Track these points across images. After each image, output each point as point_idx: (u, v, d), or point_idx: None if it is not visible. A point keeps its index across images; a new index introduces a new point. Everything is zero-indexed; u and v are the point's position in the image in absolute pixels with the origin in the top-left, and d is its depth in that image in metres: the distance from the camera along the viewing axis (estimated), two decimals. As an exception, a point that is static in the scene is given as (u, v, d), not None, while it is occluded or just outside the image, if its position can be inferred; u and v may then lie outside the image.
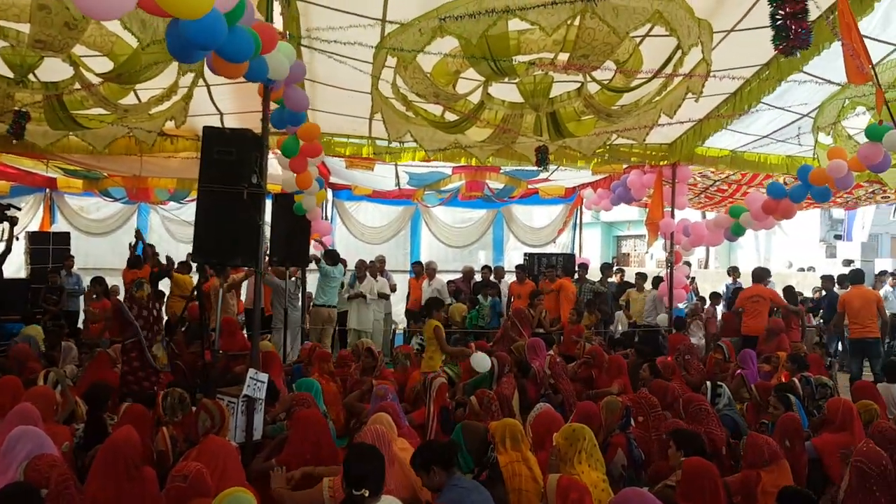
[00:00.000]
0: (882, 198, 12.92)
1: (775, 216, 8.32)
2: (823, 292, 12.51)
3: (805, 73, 6.82)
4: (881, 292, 11.97)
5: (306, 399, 5.39)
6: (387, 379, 7.04)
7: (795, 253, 21.67)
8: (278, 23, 5.82)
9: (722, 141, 9.47)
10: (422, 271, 12.59)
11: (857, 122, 8.01)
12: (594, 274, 13.63)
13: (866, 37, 5.36)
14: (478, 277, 13.12)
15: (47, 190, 13.59)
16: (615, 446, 5.11)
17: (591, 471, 4.12)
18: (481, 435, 4.71)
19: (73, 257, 12.12)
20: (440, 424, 5.81)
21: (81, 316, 11.13)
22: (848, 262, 17.87)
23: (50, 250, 12.24)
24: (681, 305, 11.06)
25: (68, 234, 13.04)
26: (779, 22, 4.09)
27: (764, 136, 9.23)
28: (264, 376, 5.14)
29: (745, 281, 14.29)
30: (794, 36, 4.06)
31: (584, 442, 4.19)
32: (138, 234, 12.13)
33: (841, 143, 8.02)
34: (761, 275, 10.09)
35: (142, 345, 6.48)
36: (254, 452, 5.02)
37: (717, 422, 5.60)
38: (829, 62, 6.47)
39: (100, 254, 13.96)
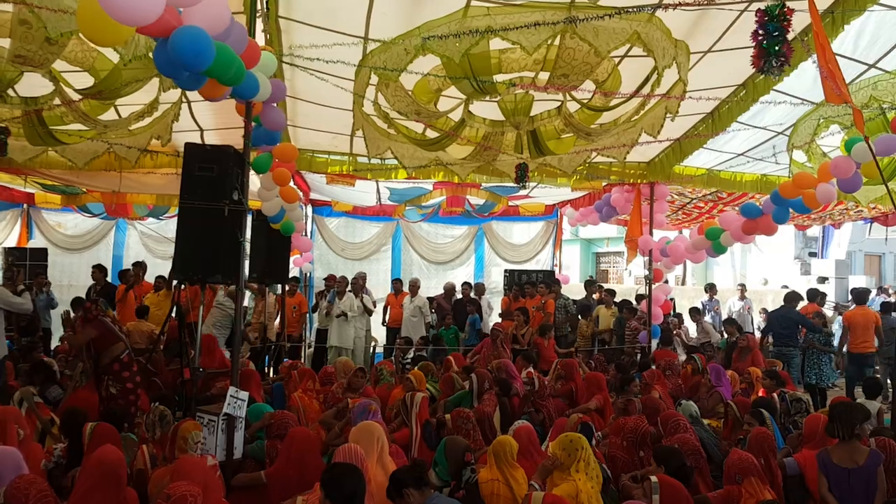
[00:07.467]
0: (856, 212, 13.10)
1: (756, 233, 8.44)
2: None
3: (778, 91, 6.95)
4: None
5: (286, 418, 5.35)
6: (370, 396, 6.98)
7: (770, 270, 21.93)
8: (260, 39, 5.83)
9: (698, 159, 9.59)
10: (401, 288, 12.56)
11: (832, 141, 8.15)
12: (575, 291, 13.65)
13: (839, 55, 5.48)
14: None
15: (25, 205, 13.48)
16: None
17: (587, 479, 4.18)
18: (461, 450, 4.70)
19: (41, 276, 11.81)
20: (423, 439, 5.79)
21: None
22: (822, 280, 18.13)
23: (27, 266, 12.05)
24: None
25: (45, 249, 12.87)
26: (763, 42, 4.16)
27: (739, 155, 9.38)
28: (245, 394, 5.10)
29: (722, 297, 14.49)
30: (775, 57, 4.13)
31: (583, 451, 4.27)
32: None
33: (815, 161, 8.15)
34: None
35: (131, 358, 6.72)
36: (235, 471, 4.97)
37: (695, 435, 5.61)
38: (802, 82, 6.62)
39: (75, 270, 13.82)
